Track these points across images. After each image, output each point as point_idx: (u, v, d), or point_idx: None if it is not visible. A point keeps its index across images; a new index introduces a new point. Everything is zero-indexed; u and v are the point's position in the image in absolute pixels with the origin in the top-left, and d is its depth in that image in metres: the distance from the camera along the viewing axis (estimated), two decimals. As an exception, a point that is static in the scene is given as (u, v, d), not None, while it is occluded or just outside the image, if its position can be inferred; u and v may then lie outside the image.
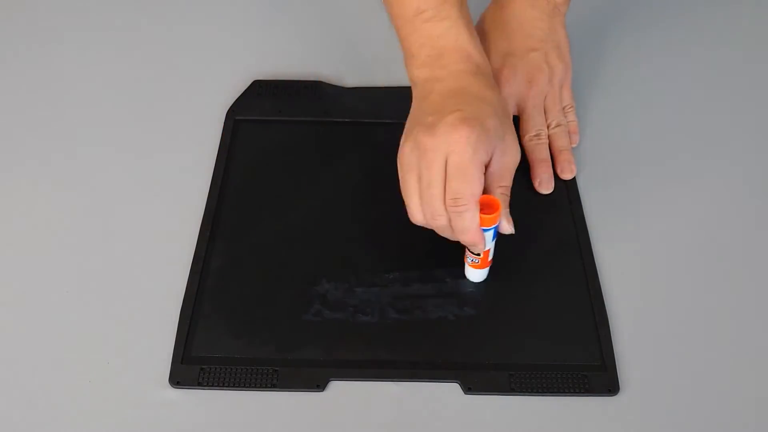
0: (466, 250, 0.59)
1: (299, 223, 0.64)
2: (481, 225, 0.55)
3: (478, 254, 0.58)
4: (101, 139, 0.71)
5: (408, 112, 0.73)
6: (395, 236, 0.64)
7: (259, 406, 0.55)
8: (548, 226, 0.65)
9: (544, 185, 0.67)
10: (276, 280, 0.61)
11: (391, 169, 0.68)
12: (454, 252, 0.62)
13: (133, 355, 0.57)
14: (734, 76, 0.78)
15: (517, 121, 0.69)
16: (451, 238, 0.57)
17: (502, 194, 0.57)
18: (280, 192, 0.67)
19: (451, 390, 0.56)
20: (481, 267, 0.60)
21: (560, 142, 0.69)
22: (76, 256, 0.63)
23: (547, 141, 0.69)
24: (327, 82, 0.75)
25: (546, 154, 0.68)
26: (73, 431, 0.54)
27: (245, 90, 0.75)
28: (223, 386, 0.55)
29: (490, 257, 0.59)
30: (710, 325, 0.59)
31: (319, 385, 0.55)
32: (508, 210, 0.58)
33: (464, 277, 0.61)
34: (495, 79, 0.68)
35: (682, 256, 0.64)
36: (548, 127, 0.69)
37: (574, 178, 0.68)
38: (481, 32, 0.71)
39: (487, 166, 0.56)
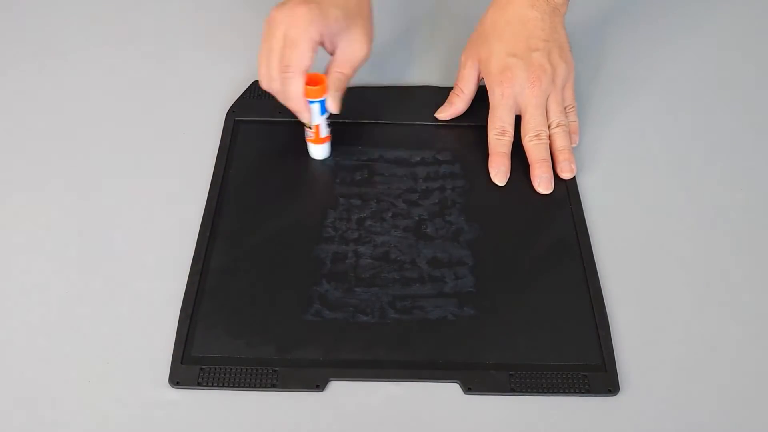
0: (304, 128, 0.67)
1: (299, 223, 0.64)
2: (306, 96, 0.63)
3: (309, 126, 0.66)
4: (101, 139, 0.71)
5: (407, 112, 0.73)
6: (395, 236, 0.64)
7: (259, 406, 0.55)
8: (548, 226, 0.65)
9: (544, 185, 0.67)
10: (276, 280, 0.61)
11: (390, 169, 0.69)
12: (454, 252, 0.63)
13: (133, 355, 0.57)
14: (735, 76, 0.78)
15: (518, 120, 0.69)
16: (287, 105, 0.65)
17: (336, 77, 0.65)
18: (280, 192, 0.67)
19: (451, 390, 0.56)
20: (315, 142, 0.67)
21: (560, 142, 0.69)
22: (76, 256, 0.63)
23: (548, 141, 0.69)
24: (327, 82, 0.75)
25: (546, 154, 0.68)
26: (73, 431, 0.54)
27: (245, 90, 0.75)
28: (223, 386, 0.55)
29: (324, 134, 0.67)
30: (710, 325, 0.59)
31: (319, 385, 0.55)
32: (340, 93, 0.65)
33: (464, 276, 0.61)
34: (497, 80, 0.69)
35: (683, 256, 0.64)
36: (549, 127, 0.69)
37: (574, 178, 0.68)
38: (483, 34, 0.71)
39: (332, 54, 0.65)
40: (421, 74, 0.78)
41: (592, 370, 0.56)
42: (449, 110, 0.72)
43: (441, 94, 0.74)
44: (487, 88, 0.70)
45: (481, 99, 0.72)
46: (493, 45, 0.70)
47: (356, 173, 0.68)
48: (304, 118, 0.65)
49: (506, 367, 0.56)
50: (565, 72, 0.69)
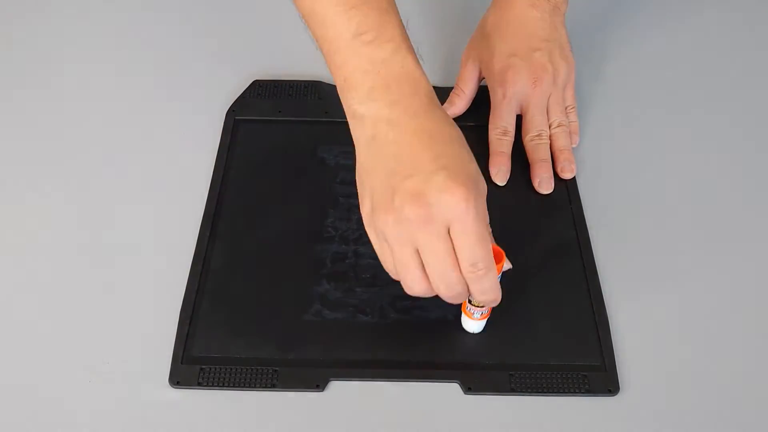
0: (469, 305, 0.56)
1: (299, 223, 0.64)
2: None
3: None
4: (101, 138, 0.71)
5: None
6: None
7: (259, 406, 0.55)
8: (548, 226, 0.65)
9: (544, 185, 0.67)
10: (276, 280, 0.61)
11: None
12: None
13: (133, 355, 0.57)
14: (736, 76, 0.78)
15: (518, 120, 0.69)
16: (459, 301, 0.54)
17: (489, 233, 0.53)
18: (280, 192, 0.67)
19: (451, 390, 0.56)
20: (486, 317, 0.57)
21: (561, 142, 0.69)
22: (76, 256, 0.63)
23: (548, 141, 0.69)
24: (327, 82, 0.75)
25: (546, 154, 0.68)
26: (73, 431, 0.54)
27: (245, 90, 0.75)
28: (223, 386, 0.55)
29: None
30: (710, 325, 0.59)
31: (319, 385, 0.55)
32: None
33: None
34: (499, 80, 0.69)
35: (683, 256, 0.64)
36: (550, 127, 0.69)
37: (574, 178, 0.68)
38: (484, 34, 0.71)
39: None
40: (421, 74, 0.78)
41: (592, 370, 0.56)
42: (449, 110, 0.72)
43: (441, 94, 0.73)
44: (489, 88, 0.70)
45: (481, 99, 0.72)
46: (494, 45, 0.70)
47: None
48: (498, 302, 0.54)
49: (506, 367, 0.56)
50: (566, 72, 0.69)
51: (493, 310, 0.59)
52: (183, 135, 0.72)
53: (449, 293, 0.52)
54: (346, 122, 0.70)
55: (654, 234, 0.65)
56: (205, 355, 0.57)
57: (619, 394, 0.55)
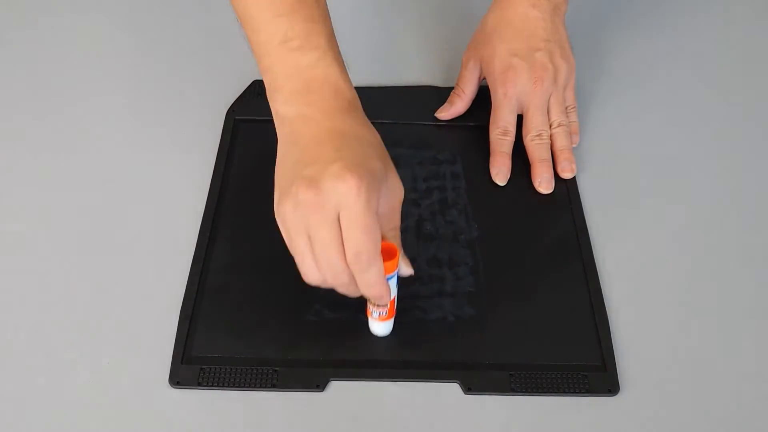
0: (369, 304, 0.55)
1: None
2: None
3: (385, 305, 0.55)
4: (101, 138, 0.71)
5: (407, 112, 0.73)
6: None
7: (259, 406, 0.55)
8: (548, 226, 0.65)
9: (545, 185, 0.67)
10: (276, 280, 0.61)
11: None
12: (454, 252, 0.63)
13: (133, 355, 0.57)
14: (736, 76, 0.78)
15: (519, 120, 0.69)
16: (353, 295, 0.53)
17: (394, 236, 0.54)
18: (280, 192, 0.67)
19: (451, 390, 0.56)
20: (389, 318, 0.56)
21: (561, 142, 0.69)
22: (76, 256, 0.63)
23: (549, 141, 0.69)
24: (327, 82, 0.75)
25: (547, 154, 0.68)
26: (73, 431, 0.54)
27: (245, 90, 0.75)
28: (223, 386, 0.55)
29: (396, 305, 0.56)
30: (710, 325, 0.59)
31: (319, 385, 0.55)
32: (403, 251, 0.55)
33: (464, 276, 0.61)
34: (500, 80, 0.69)
35: (683, 256, 0.64)
36: (550, 127, 0.69)
37: (574, 178, 0.68)
38: (484, 35, 0.71)
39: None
40: (421, 74, 0.78)
41: (592, 370, 0.56)
42: (450, 110, 0.72)
43: (441, 94, 0.74)
44: (490, 88, 0.70)
45: (481, 99, 0.72)
46: (495, 45, 0.70)
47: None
48: (384, 300, 0.53)
49: (506, 367, 0.56)
50: (567, 72, 0.70)
51: (493, 309, 0.59)
52: (183, 135, 0.72)
53: (335, 282, 0.52)
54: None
55: (654, 234, 0.65)
56: (205, 355, 0.57)
57: (619, 394, 0.55)
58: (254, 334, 0.58)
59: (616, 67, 0.79)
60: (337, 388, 0.56)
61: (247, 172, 0.68)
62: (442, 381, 0.56)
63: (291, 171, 0.52)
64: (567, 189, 0.67)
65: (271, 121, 0.73)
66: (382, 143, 0.55)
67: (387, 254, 0.52)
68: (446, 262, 0.62)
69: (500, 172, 0.68)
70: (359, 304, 0.59)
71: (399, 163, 0.68)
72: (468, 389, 0.55)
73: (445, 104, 0.73)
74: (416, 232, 0.64)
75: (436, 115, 0.73)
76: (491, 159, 0.68)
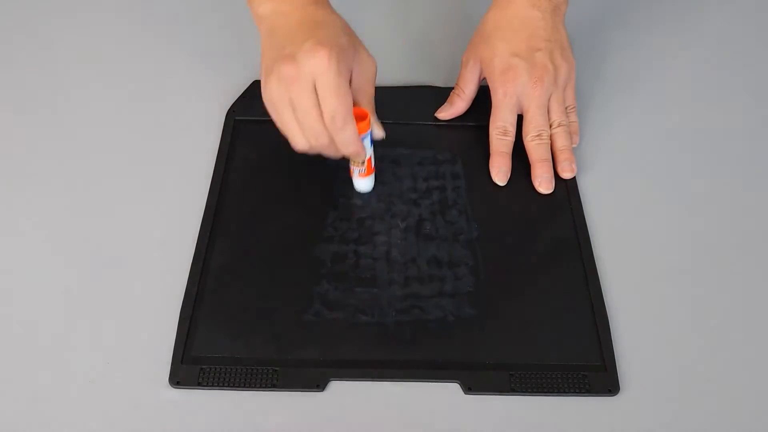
0: (350, 164, 0.64)
1: (299, 223, 0.64)
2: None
3: (363, 162, 0.63)
4: (101, 139, 0.71)
5: (407, 112, 0.73)
6: (395, 236, 0.64)
7: (259, 406, 0.55)
8: (548, 226, 0.65)
9: (545, 185, 0.67)
10: (276, 280, 0.61)
11: (390, 169, 0.69)
12: (454, 252, 0.63)
13: (133, 355, 0.57)
14: (735, 76, 0.78)
15: (519, 120, 0.69)
16: (335, 156, 0.62)
17: (368, 103, 0.62)
18: (280, 192, 0.67)
19: (451, 390, 0.56)
20: (368, 174, 0.65)
21: (561, 142, 0.69)
22: (76, 256, 0.63)
23: (549, 141, 0.69)
24: (327, 82, 0.75)
25: (547, 155, 0.68)
26: (73, 431, 0.54)
27: (245, 90, 0.75)
28: (223, 386, 0.55)
29: (373, 163, 0.65)
30: (710, 325, 0.59)
31: (319, 385, 0.55)
32: (376, 116, 0.63)
33: (464, 276, 0.61)
34: (500, 80, 0.69)
35: (683, 256, 0.64)
36: (550, 127, 0.69)
37: (574, 178, 0.68)
38: (484, 35, 0.71)
39: (349, 81, 0.60)
40: (421, 74, 0.78)
41: (592, 370, 0.56)
42: (450, 110, 0.72)
43: (441, 94, 0.74)
44: (490, 88, 0.70)
45: (481, 99, 0.72)
46: (495, 45, 0.70)
47: (356, 173, 0.68)
48: (360, 157, 0.63)
49: (506, 367, 0.56)
50: (567, 72, 0.69)
51: (493, 309, 0.59)
52: (183, 135, 0.72)
53: (318, 143, 0.60)
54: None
55: (654, 234, 0.65)
56: (205, 355, 0.57)
57: (619, 394, 0.55)
58: (254, 334, 0.58)
59: (616, 67, 0.79)
60: (337, 388, 0.56)
61: (247, 172, 0.68)
62: (442, 381, 0.56)
63: (272, 55, 0.60)
64: (567, 189, 0.67)
65: (271, 122, 0.73)
66: (350, 27, 0.63)
67: (359, 117, 0.60)
68: (446, 262, 0.62)
69: (500, 173, 0.68)
70: (359, 304, 0.59)
71: (399, 163, 0.69)
72: (468, 389, 0.55)
73: (445, 104, 0.73)
74: (416, 232, 0.64)
75: (436, 115, 0.73)
76: (491, 159, 0.68)
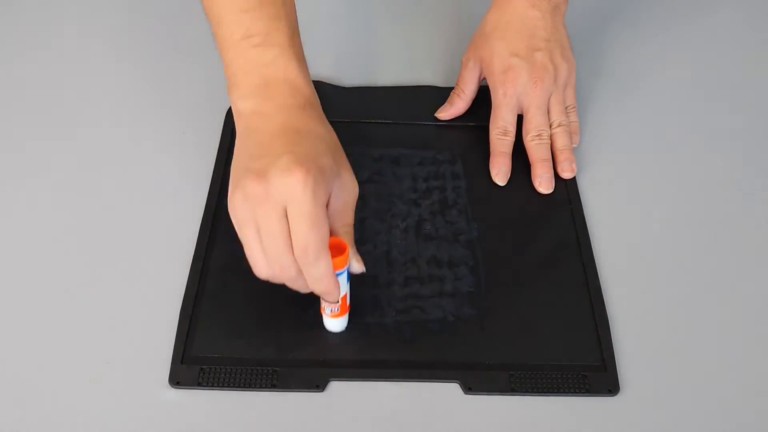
0: (321, 300, 0.55)
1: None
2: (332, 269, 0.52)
3: (336, 301, 0.54)
4: (101, 139, 0.71)
5: (407, 112, 0.73)
6: (395, 236, 0.64)
7: (259, 406, 0.55)
8: (548, 226, 0.65)
9: (545, 185, 0.67)
10: (276, 280, 0.61)
11: (390, 169, 0.69)
12: (454, 252, 0.63)
13: (133, 355, 0.57)
14: (735, 76, 0.78)
15: (520, 120, 0.70)
16: (303, 290, 0.53)
17: (346, 233, 0.54)
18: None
19: (451, 390, 0.56)
20: (341, 314, 0.56)
21: (561, 142, 0.69)
22: (76, 256, 0.63)
23: (549, 141, 0.69)
24: (327, 82, 0.75)
25: (547, 154, 0.68)
26: (73, 431, 0.54)
27: (245, 90, 0.74)
28: (223, 386, 0.55)
29: (348, 301, 0.56)
30: (711, 325, 0.59)
31: (319, 385, 0.55)
32: (355, 248, 0.55)
33: (464, 276, 0.61)
34: (500, 80, 0.69)
35: (683, 256, 0.64)
36: (550, 127, 0.69)
37: (574, 178, 0.68)
38: (484, 35, 0.71)
39: (326, 206, 0.52)
40: (421, 74, 0.78)
41: (592, 370, 0.56)
42: (450, 110, 0.72)
43: (441, 94, 0.74)
44: (490, 88, 0.70)
45: (481, 99, 0.72)
46: (495, 45, 0.70)
47: (356, 173, 0.68)
48: (333, 296, 0.53)
49: (506, 367, 0.56)
50: (567, 72, 0.70)
51: (493, 309, 0.59)
52: (183, 135, 0.72)
53: (283, 275, 0.52)
54: (346, 122, 0.71)
55: (654, 233, 0.65)
56: (205, 355, 0.57)
57: (619, 394, 0.55)
58: (254, 334, 0.58)
59: (616, 67, 0.79)
60: (337, 388, 0.56)
61: (247, 172, 0.68)
62: (442, 381, 0.56)
63: (243, 164, 0.52)
64: (567, 189, 0.67)
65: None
66: (338, 141, 0.56)
67: (336, 250, 0.52)
68: (446, 262, 0.62)
69: (500, 173, 0.68)
70: (359, 305, 0.59)
71: (399, 163, 0.69)
72: (468, 389, 0.55)
73: (445, 104, 0.73)
74: (416, 232, 0.64)
75: (436, 115, 0.73)
76: (491, 159, 0.68)
